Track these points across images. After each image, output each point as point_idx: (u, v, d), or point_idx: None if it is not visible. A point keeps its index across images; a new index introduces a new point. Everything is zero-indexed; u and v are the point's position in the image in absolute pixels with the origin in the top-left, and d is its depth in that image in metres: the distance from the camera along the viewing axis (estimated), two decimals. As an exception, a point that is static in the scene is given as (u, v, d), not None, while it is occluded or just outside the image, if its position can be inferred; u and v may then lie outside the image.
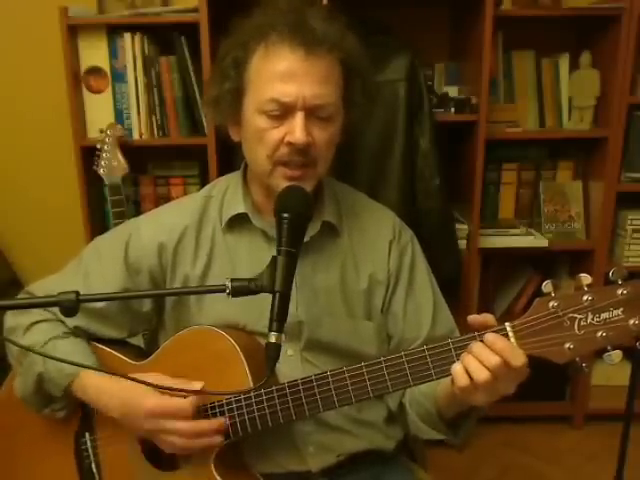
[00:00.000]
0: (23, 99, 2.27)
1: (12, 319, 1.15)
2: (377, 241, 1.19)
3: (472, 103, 2.06)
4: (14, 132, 2.31)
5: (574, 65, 2.20)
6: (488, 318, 0.92)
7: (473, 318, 0.93)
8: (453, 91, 2.16)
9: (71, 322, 1.13)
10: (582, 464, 2.21)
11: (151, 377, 1.02)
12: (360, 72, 1.09)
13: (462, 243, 2.11)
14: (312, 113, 1.03)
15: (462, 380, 0.89)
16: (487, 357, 0.88)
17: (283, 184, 1.04)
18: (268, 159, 1.05)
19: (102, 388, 1.07)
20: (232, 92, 1.06)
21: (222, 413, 1.04)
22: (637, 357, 1.74)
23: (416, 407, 1.14)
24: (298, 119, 1.01)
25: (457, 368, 0.90)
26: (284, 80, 1.01)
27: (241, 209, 1.14)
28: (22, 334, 1.12)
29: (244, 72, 1.05)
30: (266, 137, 1.04)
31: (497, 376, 0.88)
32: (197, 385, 1.02)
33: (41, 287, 1.16)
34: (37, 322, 1.13)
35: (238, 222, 1.15)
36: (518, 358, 0.87)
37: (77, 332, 1.14)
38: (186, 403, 1.01)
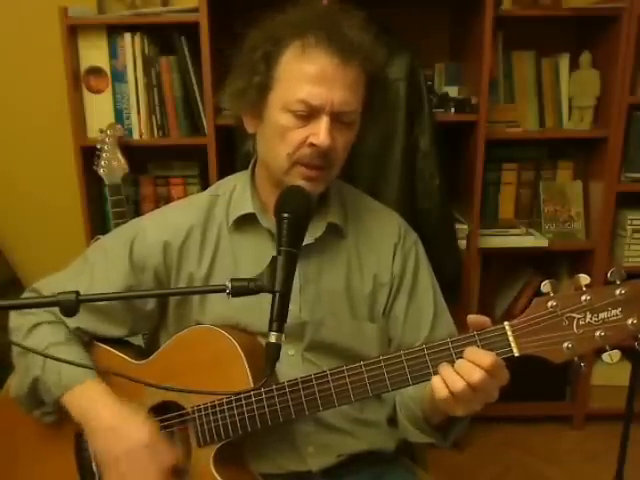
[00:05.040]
0: (23, 99, 2.27)
1: (16, 319, 1.15)
2: (382, 243, 1.19)
3: (472, 103, 2.06)
4: (14, 132, 2.31)
5: (574, 65, 2.20)
6: (485, 319, 0.93)
7: (471, 318, 0.93)
8: (453, 91, 2.16)
9: (73, 323, 1.13)
10: (582, 464, 2.21)
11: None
12: (381, 85, 1.11)
13: (462, 243, 2.10)
14: (337, 118, 1.04)
15: (442, 392, 0.90)
16: (468, 371, 0.89)
17: (298, 183, 1.05)
18: (288, 157, 1.06)
19: (95, 410, 1.05)
20: (259, 86, 1.06)
21: (222, 412, 1.04)
22: (637, 357, 1.74)
23: (405, 410, 1.14)
24: (324, 123, 1.03)
25: (436, 380, 0.91)
26: (316, 83, 1.01)
27: (249, 209, 1.14)
28: (24, 336, 1.12)
29: (273, 68, 1.05)
30: (289, 136, 1.05)
31: (475, 387, 0.88)
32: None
33: (47, 285, 1.16)
34: (39, 324, 1.12)
35: (245, 222, 1.15)
36: (485, 358, 0.88)
37: (78, 335, 1.14)
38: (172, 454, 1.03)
